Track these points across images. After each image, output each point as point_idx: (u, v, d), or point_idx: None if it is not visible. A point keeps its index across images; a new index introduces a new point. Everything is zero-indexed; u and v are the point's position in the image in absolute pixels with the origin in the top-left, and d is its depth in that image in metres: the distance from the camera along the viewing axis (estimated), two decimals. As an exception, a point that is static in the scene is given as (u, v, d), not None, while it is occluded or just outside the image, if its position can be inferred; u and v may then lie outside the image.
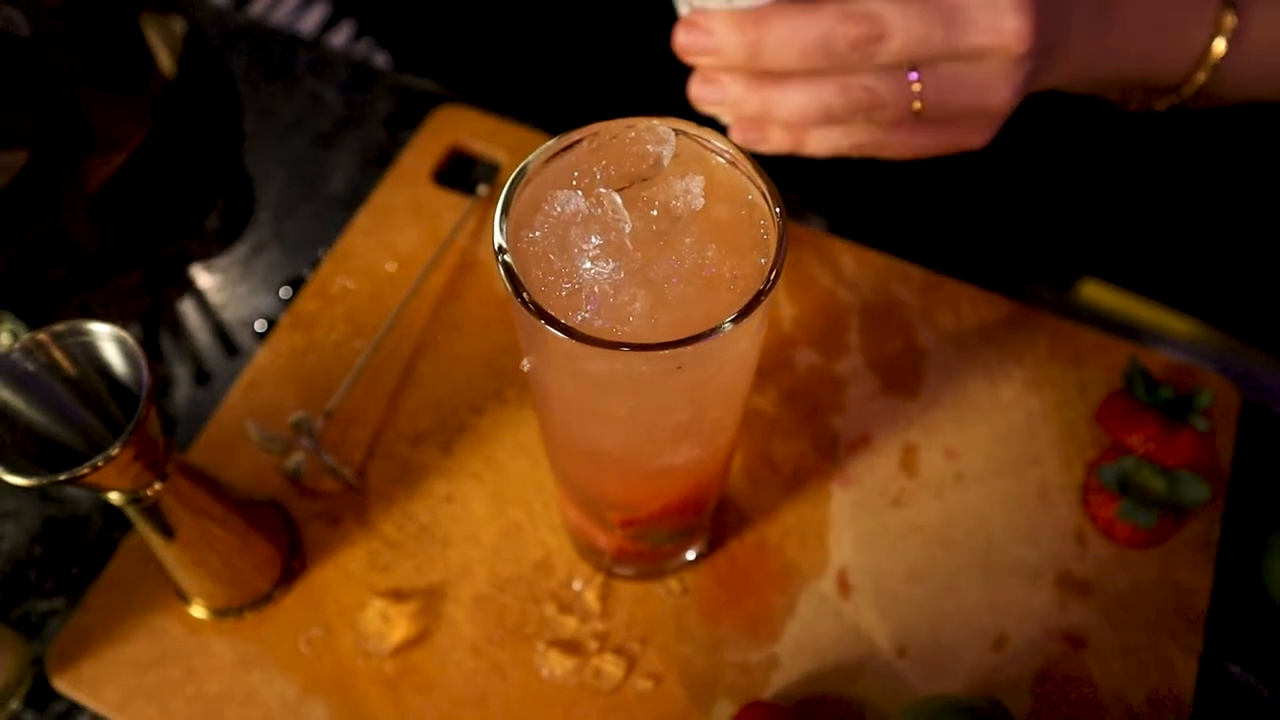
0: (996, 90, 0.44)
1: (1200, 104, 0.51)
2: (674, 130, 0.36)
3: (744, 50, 0.43)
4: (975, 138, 0.47)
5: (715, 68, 0.45)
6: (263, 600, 0.52)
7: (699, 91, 0.47)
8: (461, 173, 0.69)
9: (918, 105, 0.44)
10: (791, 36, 0.42)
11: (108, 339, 0.41)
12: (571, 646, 0.51)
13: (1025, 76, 0.44)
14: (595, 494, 0.47)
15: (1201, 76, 0.49)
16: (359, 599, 0.53)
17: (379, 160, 0.70)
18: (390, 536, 0.54)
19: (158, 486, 0.43)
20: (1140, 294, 0.74)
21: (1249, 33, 0.48)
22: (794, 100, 0.44)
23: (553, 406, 0.41)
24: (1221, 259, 0.75)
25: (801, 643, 0.51)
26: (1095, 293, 0.74)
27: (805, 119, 0.45)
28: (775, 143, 0.47)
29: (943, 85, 0.44)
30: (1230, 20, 0.48)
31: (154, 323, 0.64)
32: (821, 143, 0.47)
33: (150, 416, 0.40)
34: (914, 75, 0.43)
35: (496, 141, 0.68)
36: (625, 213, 0.34)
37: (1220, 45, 0.48)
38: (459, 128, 0.69)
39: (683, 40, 0.45)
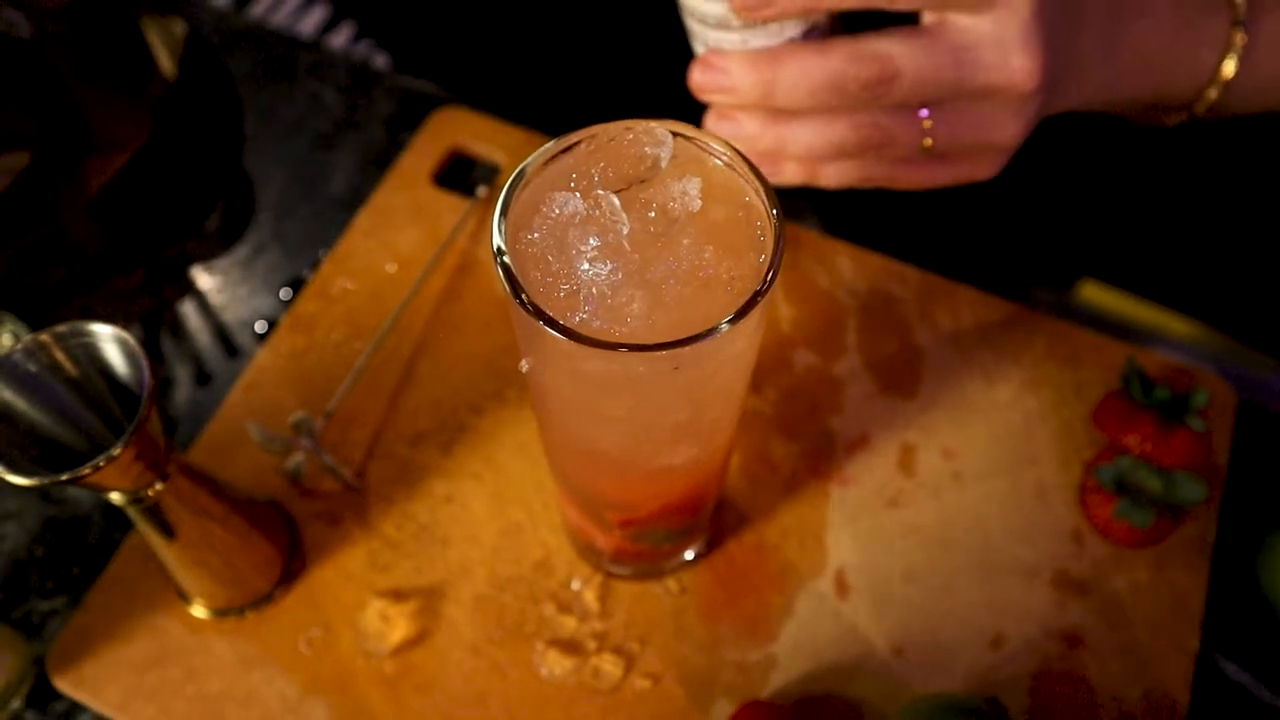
0: (1005, 126, 0.44)
1: (1211, 117, 0.51)
2: (672, 132, 0.36)
3: (758, 89, 0.44)
4: (984, 170, 0.47)
5: (730, 105, 0.46)
6: (263, 600, 0.52)
7: (714, 128, 0.47)
8: (461, 174, 0.69)
9: (928, 142, 0.45)
10: (803, 76, 0.43)
11: (109, 340, 0.41)
12: (570, 646, 0.51)
13: (1034, 111, 0.44)
14: (594, 494, 0.47)
15: (1213, 94, 0.49)
16: (359, 599, 0.53)
17: (379, 162, 0.70)
18: (390, 536, 0.55)
19: (159, 487, 0.43)
20: (1138, 295, 0.74)
21: (1258, 49, 0.48)
22: (807, 137, 0.45)
23: (551, 407, 0.41)
24: (1219, 260, 0.75)
25: (799, 642, 0.52)
26: (1094, 294, 0.74)
27: (818, 155, 0.45)
28: (790, 175, 0.48)
29: (953, 122, 0.44)
30: (1240, 38, 0.48)
31: (155, 324, 0.65)
32: (835, 176, 0.47)
33: (151, 417, 0.40)
34: (924, 112, 0.44)
35: (496, 143, 0.69)
36: (623, 214, 0.34)
37: (1231, 65, 0.48)
38: (459, 129, 0.69)
39: (699, 79, 0.45)
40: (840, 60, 0.42)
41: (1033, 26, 0.42)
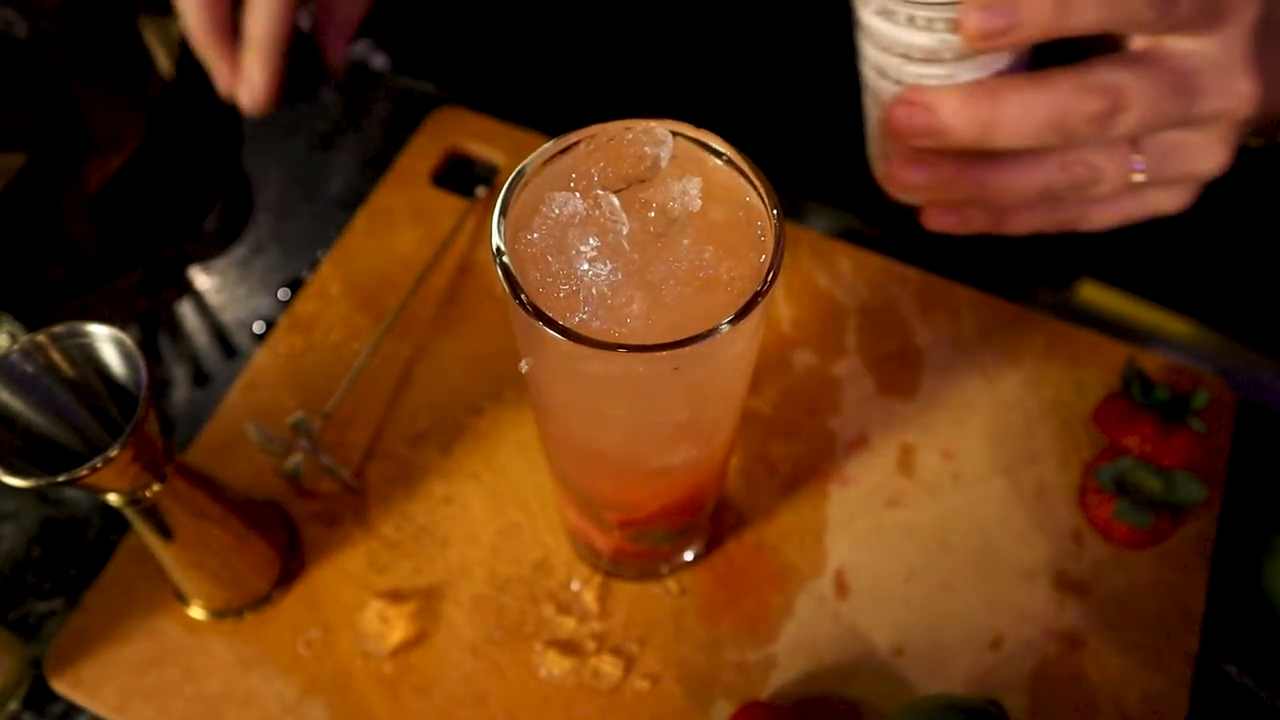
0: (1215, 154, 0.42)
1: None
2: (671, 132, 0.36)
3: (974, 129, 0.39)
4: (1178, 202, 0.44)
5: (932, 147, 0.41)
6: (261, 601, 0.52)
7: (906, 175, 0.42)
8: (460, 175, 0.69)
9: (1139, 177, 0.41)
10: (1025, 113, 0.38)
11: (106, 340, 0.41)
12: (570, 647, 0.51)
13: (1240, 138, 0.42)
14: (593, 494, 0.47)
15: None
16: (358, 600, 0.53)
17: (377, 162, 0.70)
18: (389, 537, 0.55)
19: (156, 488, 0.43)
20: (1138, 295, 0.74)
21: None
22: (1011, 181, 0.41)
23: (551, 407, 0.41)
24: (1219, 260, 0.75)
25: (799, 643, 0.52)
26: (1093, 294, 0.74)
27: (1020, 200, 0.42)
28: (973, 225, 0.44)
29: (1163, 153, 0.41)
30: None
31: (153, 324, 0.64)
32: (1026, 222, 0.44)
33: (149, 418, 0.40)
34: (1135, 145, 0.41)
35: (495, 143, 0.68)
36: (623, 214, 0.34)
37: None
38: (457, 130, 0.69)
39: (904, 120, 0.40)
40: (1066, 93, 0.38)
41: (1252, 47, 0.39)
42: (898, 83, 0.41)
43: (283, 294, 0.65)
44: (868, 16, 0.40)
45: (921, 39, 0.38)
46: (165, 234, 0.68)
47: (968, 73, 0.39)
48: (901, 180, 0.43)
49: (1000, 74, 0.39)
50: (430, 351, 0.61)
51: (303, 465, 0.55)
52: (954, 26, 0.37)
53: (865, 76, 0.43)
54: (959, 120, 0.39)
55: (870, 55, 0.41)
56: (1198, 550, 0.54)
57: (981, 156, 0.41)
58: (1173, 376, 0.58)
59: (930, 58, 0.39)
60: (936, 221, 0.44)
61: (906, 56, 0.39)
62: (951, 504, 0.55)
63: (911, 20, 0.38)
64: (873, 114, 0.45)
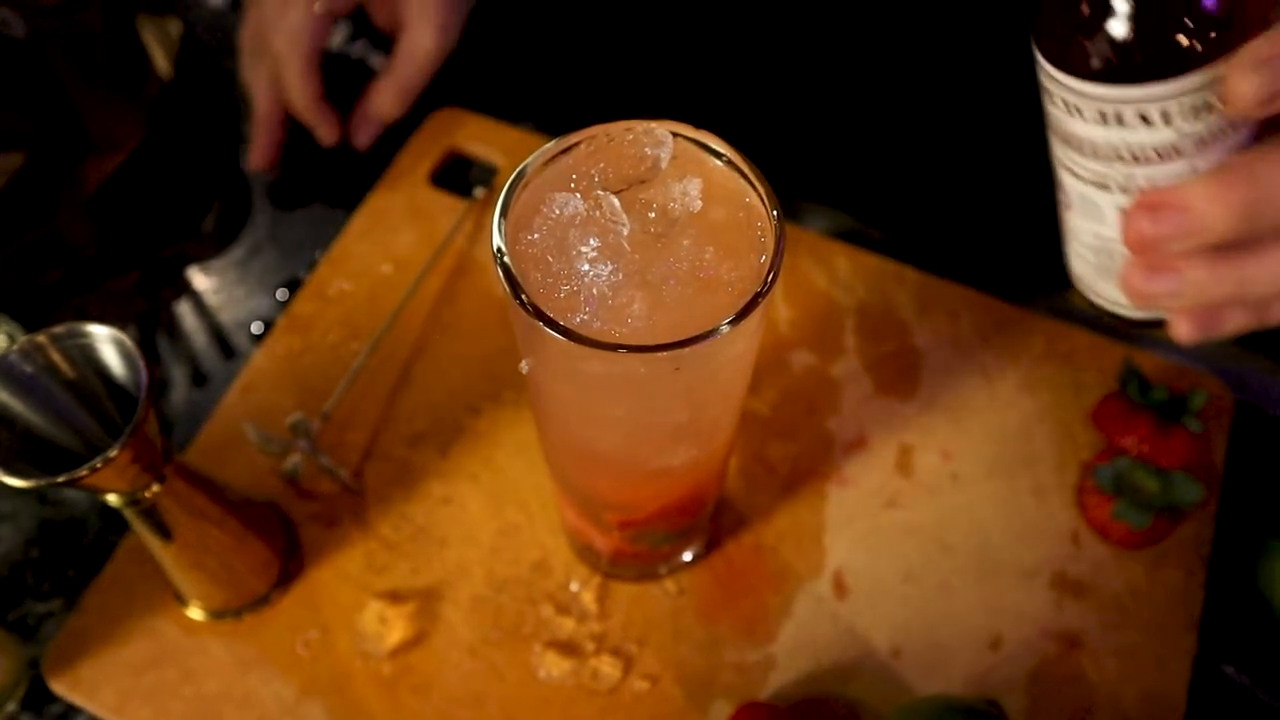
0: None
1: None
2: (672, 133, 0.36)
3: (1236, 218, 0.34)
4: None
5: (1181, 251, 0.36)
6: (260, 602, 0.52)
7: (1149, 286, 0.37)
8: (458, 175, 0.69)
9: None
10: None
11: (106, 341, 0.41)
12: (569, 647, 0.51)
13: None
14: (593, 495, 0.47)
15: None
16: (356, 600, 0.53)
17: (376, 162, 0.70)
18: (387, 538, 0.55)
19: (155, 488, 0.43)
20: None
21: None
22: (1272, 269, 0.35)
23: (551, 408, 0.41)
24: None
25: (798, 643, 0.52)
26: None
27: None
28: (1232, 325, 0.39)
29: None
30: None
31: (151, 325, 0.64)
32: None
33: (148, 418, 0.40)
34: None
35: (493, 144, 0.68)
36: (623, 215, 0.34)
37: None
38: (456, 130, 0.69)
39: (1152, 230, 0.35)
40: None
41: None
42: (1124, 191, 0.36)
43: (281, 294, 0.65)
44: (1081, 127, 0.35)
45: (1156, 135, 0.34)
46: (163, 234, 0.68)
47: (1207, 159, 0.34)
48: (1147, 294, 0.38)
49: (1239, 150, 0.34)
50: (429, 352, 0.61)
51: (301, 466, 0.55)
52: (1194, 112, 0.33)
53: (1075, 194, 0.38)
54: (1218, 212, 0.34)
55: (1083, 169, 0.36)
56: (1195, 551, 0.54)
57: (1232, 248, 0.36)
58: (1170, 377, 0.58)
59: (1166, 154, 0.34)
60: (1190, 330, 0.39)
61: (1135, 159, 0.35)
62: (950, 504, 0.55)
63: (1144, 118, 0.33)
64: (1087, 232, 0.39)
